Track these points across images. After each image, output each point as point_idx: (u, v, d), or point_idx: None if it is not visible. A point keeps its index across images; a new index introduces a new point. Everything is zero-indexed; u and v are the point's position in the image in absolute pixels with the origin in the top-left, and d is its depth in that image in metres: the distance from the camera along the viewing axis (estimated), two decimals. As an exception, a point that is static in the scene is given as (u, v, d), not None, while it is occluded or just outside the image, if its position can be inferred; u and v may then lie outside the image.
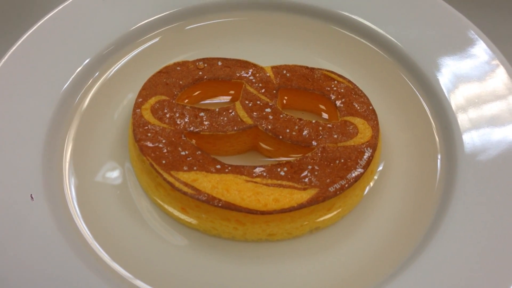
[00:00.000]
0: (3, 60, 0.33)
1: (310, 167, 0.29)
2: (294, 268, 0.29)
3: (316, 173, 0.29)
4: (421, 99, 0.34)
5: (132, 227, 0.30)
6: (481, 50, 0.34)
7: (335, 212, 0.30)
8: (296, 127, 0.31)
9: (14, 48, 0.34)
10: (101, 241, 0.29)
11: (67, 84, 0.34)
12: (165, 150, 0.29)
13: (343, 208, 0.30)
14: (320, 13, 0.37)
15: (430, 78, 0.34)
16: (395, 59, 0.35)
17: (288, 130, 0.31)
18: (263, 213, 0.28)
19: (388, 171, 0.32)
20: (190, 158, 0.29)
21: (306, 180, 0.28)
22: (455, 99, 0.33)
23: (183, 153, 0.29)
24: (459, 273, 0.27)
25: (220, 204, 0.28)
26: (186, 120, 0.31)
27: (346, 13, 0.37)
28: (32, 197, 0.29)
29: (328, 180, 0.28)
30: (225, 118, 0.31)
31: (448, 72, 0.34)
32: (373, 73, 0.35)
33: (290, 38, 0.38)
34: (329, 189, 0.28)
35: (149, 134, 0.30)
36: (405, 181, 0.31)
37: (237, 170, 0.29)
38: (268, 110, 0.31)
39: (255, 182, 0.28)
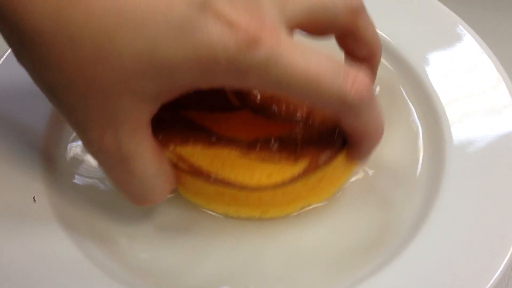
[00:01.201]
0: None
1: (300, 140, 0.29)
2: (286, 245, 0.30)
3: (306, 145, 0.29)
4: (409, 92, 0.35)
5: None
6: (469, 45, 0.35)
7: (326, 187, 0.30)
8: (284, 105, 0.30)
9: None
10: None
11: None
12: (159, 127, 0.28)
13: (334, 182, 0.30)
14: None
15: (419, 71, 0.34)
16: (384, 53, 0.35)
17: (275, 106, 0.30)
18: (256, 189, 0.28)
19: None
20: (185, 131, 0.29)
21: (297, 153, 0.28)
22: (444, 93, 0.33)
23: (177, 127, 0.29)
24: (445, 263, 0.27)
25: (215, 180, 0.28)
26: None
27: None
28: (34, 200, 0.30)
29: (318, 150, 0.29)
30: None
31: (437, 66, 0.34)
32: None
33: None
34: (320, 159, 0.28)
35: None
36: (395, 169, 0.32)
37: (232, 143, 0.29)
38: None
39: (249, 159, 0.28)
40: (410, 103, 0.34)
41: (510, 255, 0.27)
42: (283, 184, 0.28)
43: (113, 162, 0.25)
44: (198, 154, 0.29)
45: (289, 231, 0.30)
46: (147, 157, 0.26)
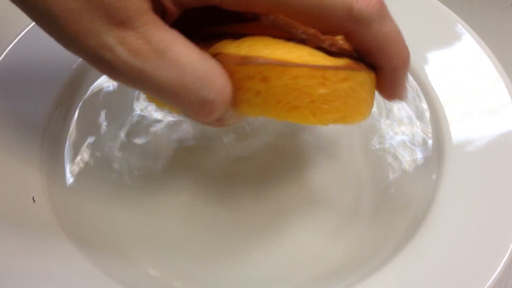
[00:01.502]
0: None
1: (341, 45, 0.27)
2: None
3: (346, 49, 0.27)
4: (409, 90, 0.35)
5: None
6: (468, 45, 0.35)
7: (357, 103, 0.27)
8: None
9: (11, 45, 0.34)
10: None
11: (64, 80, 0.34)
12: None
13: (365, 101, 0.27)
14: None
15: (418, 71, 0.35)
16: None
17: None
18: (295, 65, 0.25)
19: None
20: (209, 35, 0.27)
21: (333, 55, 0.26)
22: (443, 92, 0.34)
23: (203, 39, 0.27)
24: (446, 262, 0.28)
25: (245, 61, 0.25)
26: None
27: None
28: (34, 200, 0.30)
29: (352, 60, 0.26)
30: None
31: (436, 65, 0.34)
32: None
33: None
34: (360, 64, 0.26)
35: None
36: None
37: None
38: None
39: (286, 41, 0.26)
40: (408, 102, 0.35)
41: (509, 254, 0.27)
42: (327, 68, 0.25)
43: (150, 57, 0.22)
44: (228, 45, 0.25)
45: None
46: (183, 41, 0.23)
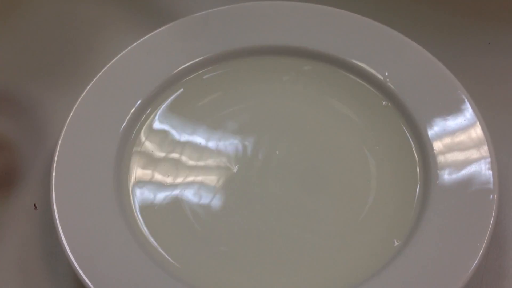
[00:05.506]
0: (75, 107, 0.42)
1: None
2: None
3: None
4: (409, 137, 0.42)
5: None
6: (464, 110, 0.41)
7: None
8: None
9: (81, 97, 0.42)
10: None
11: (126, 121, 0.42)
12: None
13: None
14: (332, 59, 0.45)
15: (419, 124, 0.41)
16: (394, 106, 0.43)
17: None
18: None
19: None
20: None
21: None
22: (436, 142, 0.40)
23: None
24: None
25: None
26: None
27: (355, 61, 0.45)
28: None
29: None
30: None
31: (435, 123, 0.41)
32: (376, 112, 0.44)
33: (303, 80, 0.46)
34: None
35: None
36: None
37: None
38: None
39: None
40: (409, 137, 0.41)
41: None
42: None
43: None
44: None
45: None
46: None
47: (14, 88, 0.49)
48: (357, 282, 0.35)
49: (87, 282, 0.34)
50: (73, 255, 0.35)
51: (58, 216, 0.36)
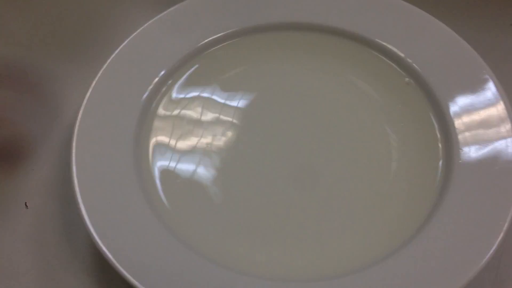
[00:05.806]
0: (97, 78, 0.42)
1: None
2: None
3: None
4: (431, 116, 0.42)
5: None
6: (487, 88, 0.41)
7: None
8: None
9: (104, 67, 0.42)
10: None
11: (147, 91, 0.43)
12: None
13: None
14: (355, 36, 0.45)
15: (441, 101, 0.41)
16: (417, 84, 0.43)
17: None
18: None
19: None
20: None
21: None
22: (458, 120, 0.40)
23: None
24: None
25: None
26: None
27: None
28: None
29: None
30: None
31: (458, 101, 0.41)
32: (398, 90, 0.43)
33: (325, 57, 0.45)
34: None
35: None
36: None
37: None
38: None
39: None
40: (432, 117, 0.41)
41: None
42: None
43: None
44: None
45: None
46: None
47: (30, 62, 0.49)
48: (378, 257, 0.35)
49: (106, 253, 0.34)
50: (92, 225, 0.35)
51: (78, 185, 0.37)
